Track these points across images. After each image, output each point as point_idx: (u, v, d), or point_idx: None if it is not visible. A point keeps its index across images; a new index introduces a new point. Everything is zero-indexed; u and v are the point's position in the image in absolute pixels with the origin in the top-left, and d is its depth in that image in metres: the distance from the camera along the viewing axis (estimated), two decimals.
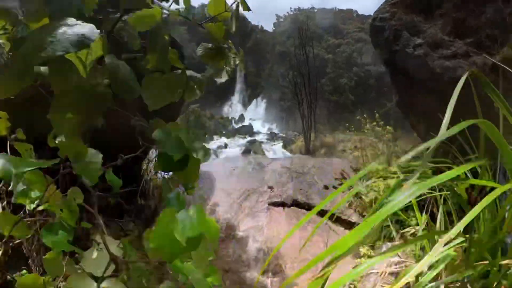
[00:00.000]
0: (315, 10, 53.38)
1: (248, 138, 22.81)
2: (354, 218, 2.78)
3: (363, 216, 2.74)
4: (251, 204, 2.86)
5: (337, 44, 43.21)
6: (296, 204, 2.85)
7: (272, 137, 25.17)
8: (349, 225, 2.76)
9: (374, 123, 3.65)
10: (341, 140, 14.98)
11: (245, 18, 52.83)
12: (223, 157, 4.93)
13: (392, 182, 2.51)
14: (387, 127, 3.53)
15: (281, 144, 18.75)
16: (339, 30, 46.20)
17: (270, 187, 3.04)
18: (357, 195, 2.89)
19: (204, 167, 3.90)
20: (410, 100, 2.92)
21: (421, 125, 3.26)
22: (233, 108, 44.56)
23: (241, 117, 39.75)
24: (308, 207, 2.81)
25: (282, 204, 2.84)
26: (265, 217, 2.71)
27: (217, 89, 44.49)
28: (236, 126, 34.17)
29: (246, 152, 15.54)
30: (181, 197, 1.79)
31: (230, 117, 39.47)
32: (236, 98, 46.21)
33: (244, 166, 3.53)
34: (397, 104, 3.25)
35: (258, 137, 24.49)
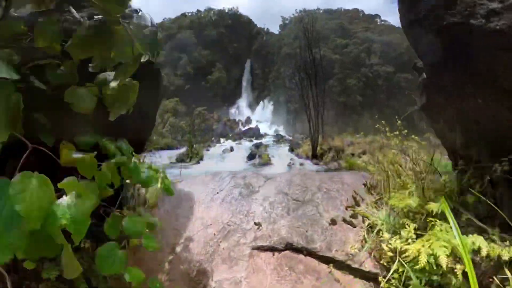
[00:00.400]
0: (321, 11, 52.98)
1: (255, 141, 22.28)
2: (368, 266, 2.00)
3: (380, 263, 2.02)
4: (230, 246, 2.15)
5: (344, 44, 42.59)
6: (290, 248, 2.10)
7: (279, 139, 24.67)
8: (361, 273, 1.99)
9: (397, 132, 2.90)
10: (350, 143, 14.34)
11: (251, 21, 52.84)
12: (214, 170, 4.30)
13: (436, 246, 1.63)
14: (413, 136, 2.77)
15: (288, 147, 18.12)
16: (345, 30, 45.59)
17: (257, 224, 2.31)
18: (374, 230, 2.12)
19: (184, 186, 3.24)
20: (449, 104, 2.12)
21: (453, 135, 2.51)
22: (240, 110, 44.26)
23: (248, 120, 39.41)
24: (307, 252, 2.05)
25: (272, 249, 2.10)
26: (246, 267, 1.99)
27: (224, 91, 44.65)
28: (243, 129, 33.84)
29: (252, 156, 14.98)
30: (120, 257, 1.17)
31: (237, 120, 39.19)
32: (243, 100, 45.95)
33: (230, 189, 2.81)
34: (423, 107, 2.48)
35: (264, 140, 24.11)
